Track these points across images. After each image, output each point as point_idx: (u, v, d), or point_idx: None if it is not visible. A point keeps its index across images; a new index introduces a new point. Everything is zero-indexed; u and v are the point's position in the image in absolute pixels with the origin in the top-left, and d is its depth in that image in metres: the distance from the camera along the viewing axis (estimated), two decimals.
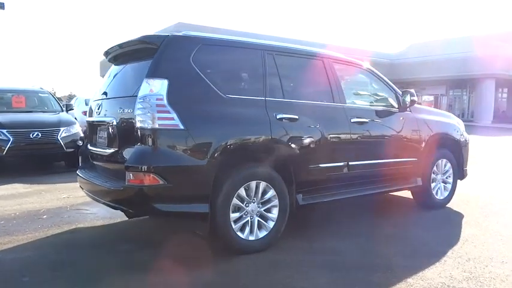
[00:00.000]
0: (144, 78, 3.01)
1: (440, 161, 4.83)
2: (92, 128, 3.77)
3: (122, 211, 3.45)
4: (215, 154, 3.04)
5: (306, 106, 3.66)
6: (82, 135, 8.04)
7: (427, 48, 34.13)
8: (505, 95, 41.18)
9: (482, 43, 34.97)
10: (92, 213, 4.73)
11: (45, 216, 4.59)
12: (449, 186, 4.98)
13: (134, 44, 3.39)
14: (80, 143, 7.90)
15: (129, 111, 3.04)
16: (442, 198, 4.90)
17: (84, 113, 10.55)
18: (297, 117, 3.51)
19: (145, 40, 3.24)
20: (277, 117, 3.39)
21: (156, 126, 2.89)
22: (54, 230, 4.08)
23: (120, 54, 3.66)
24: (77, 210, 4.84)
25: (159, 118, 2.89)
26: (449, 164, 4.94)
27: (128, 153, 3.04)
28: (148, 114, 2.89)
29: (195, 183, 3.02)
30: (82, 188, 3.86)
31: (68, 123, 7.98)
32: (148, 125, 2.89)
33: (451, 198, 5.01)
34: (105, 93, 3.59)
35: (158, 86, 2.93)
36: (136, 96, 2.95)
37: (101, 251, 3.47)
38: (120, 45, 3.53)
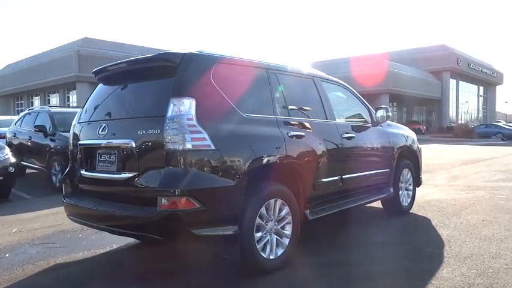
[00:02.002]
0: (166, 97, 2.86)
1: (404, 171, 5.29)
2: (86, 151, 3.41)
3: (142, 239, 3.19)
4: (243, 173, 2.99)
5: (308, 123, 3.77)
6: (13, 160, 7.19)
7: (331, 66, 36.96)
8: (395, 108, 46.32)
9: (376, 62, 38.98)
10: (61, 246, 4.25)
11: (7, 255, 4.00)
12: (410, 193, 5.47)
13: (148, 62, 3.19)
14: (12, 169, 7.07)
15: (155, 132, 2.83)
16: (406, 205, 5.36)
17: None
18: (303, 134, 3.60)
19: (163, 57, 3.07)
20: (289, 134, 3.46)
21: (189, 147, 2.75)
22: (32, 268, 3.59)
23: (122, 73, 3.40)
24: (42, 245, 4.31)
25: (193, 139, 2.76)
26: (410, 173, 5.44)
27: (154, 177, 2.83)
28: (180, 135, 2.74)
29: (227, 205, 2.93)
30: (74, 218, 3.47)
31: None
32: (180, 146, 2.74)
33: (413, 204, 5.51)
34: (108, 114, 3.29)
35: (187, 106, 2.80)
36: (164, 116, 2.78)
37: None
38: (129, 63, 3.30)
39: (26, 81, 35.57)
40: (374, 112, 4.85)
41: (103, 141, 3.22)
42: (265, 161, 3.19)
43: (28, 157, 9.36)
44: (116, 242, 4.32)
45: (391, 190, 4.95)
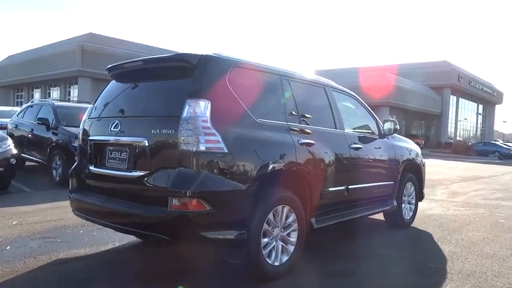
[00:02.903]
0: (182, 98, 2.86)
1: (408, 184, 5.30)
2: (96, 147, 3.40)
3: (148, 238, 3.18)
4: (253, 178, 2.99)
5: (318, 132, 3.78)
6: (15, 152, 7.16)
7: (333, 75, 37.02)
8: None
9: (378, 74, 39.14)
10: (63, 241, 4.22)
11: (8, 247, 3.97)
12: (413, 207, 5.47)
13: (165, 61, 3.19)
14: (13, 161, 7.04)
15: (169, 132, 2.83)
16: (408, 218, 5.36)
17: None
18: (313, 142, 3.61)
19: (181, 58, 3.07)
20: (300, 142, 3.46)
21: (202, 149, 2.75)
22: (34, 262, 3.56)
23: (137, 71, 3.40)
24: (43, 239, 4.27)
25: (206, 141, 2.76)
26: (413, 187, 5.45)
27: (166, 177, 2.82)
28: (194, 136, 2.74)
29: (237, 209, 2.92)
30: (80, 213, 3.46)
31: (0, 139, 7.07)
32: (194, 147, 2.74)
33: (414, 218, 5.52)
34: (121, 111, 3.28)
35: (202, 108, 2.80)
36: (179, 117, 2.78)
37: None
38: (145, 61, 3.30)
39: (27, 73, 35.47)
40: (381, 124, 4.87)
41: (114, 138, 3.21)
42: (275, 166, 3.19)
43: (28, 149, 9.33)
44: (117, 240, 4.30)
45: (395, 203, 4.95)
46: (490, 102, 58.35)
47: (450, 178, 12.54)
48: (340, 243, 4.50)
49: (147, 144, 2.94)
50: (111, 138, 3.23)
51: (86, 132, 3.59)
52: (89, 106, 10.05)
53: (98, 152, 3.38)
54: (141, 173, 2.97)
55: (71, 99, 32.84)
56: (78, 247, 4.03)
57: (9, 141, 7.23)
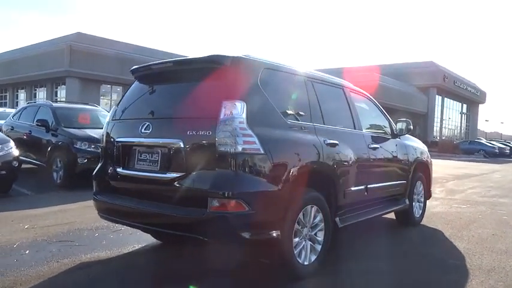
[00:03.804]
0: (217, 99, 2.88)
1: (417, 183, 5.40)
2: (124, 149, 3.38)
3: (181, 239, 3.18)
4: (287, 179, 3.02)
5: (340, 132, 3.84)
6: (17, 154, 7.04)
7: None
8: None
9: (365, 74, 39.61)
10: (81, 245, 4.18)
11: (27, 252, 3.92)
12: (422, 205, 5.58)
13: (196, 63, 3.20)
14: (15, 163, 6.93)
15: (206, 133, 2.84)
16: (418, 216, 5.47)
17: None
18: (337, 142, 3.66)
19: (213, 59, 3.08)
20: (326, 142, 3.51)
21: (240, 150, 2.77)
22: (58, 266, 3.53)
23: (166, 72, 3.40)
24: (61, 243, 4.22)
25: (244, 142, 2.78)
26: (422, 186, 5.55)
27: (204, 178, 2.83)
28: (232, 137, 2.76)
29: (272, 209, 2.95)
30: (107, 215, 3.45)
31: (2, 141, 6.94)
32: (232, 148, 2.76)
33: (424, 216, 5.62)
34: (151, 113, 3.27)
35: (239, 109, 2.82)
36: (217, 118, 2.80)
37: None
38: (176, 63, 3.30)
39: (12, 73, 34.72)
40: (394, 124, 4.95)
41: (146, 140, 3.19)
42: (305, 167, 3.24)
43: (26, 152, 9.17)
44: (136, 242, 4.29)
45: (407, 201, 5.05)
46: (473, 101, 59.49)
47: (444, 176, 12.76)
48: (357, 242, 4.56)
49: (182, 145, 2.95)
50: (142, 140, 3.22)
51: (111, 134, 3.57)
52: (90, 107, 10.11)
53: (126, 153, 3.37)
54: (176, 175, 2.97)
55: (58, 100, 32.34)
56: (98, 250, 4.00)
57: (11, 143, 7.10)
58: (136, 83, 3.68)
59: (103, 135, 3.67)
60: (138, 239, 4.38)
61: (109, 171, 3.52)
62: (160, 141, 3.13)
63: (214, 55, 3.11)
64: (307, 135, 3.38)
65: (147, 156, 3.20)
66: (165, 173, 3.05)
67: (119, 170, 3.40)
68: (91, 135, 8.02)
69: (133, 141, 3.32)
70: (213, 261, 3.73)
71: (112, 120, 3.63)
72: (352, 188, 3.88)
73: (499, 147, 35.30)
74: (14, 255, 3.79)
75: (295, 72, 3.60)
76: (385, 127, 4.90)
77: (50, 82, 34.80)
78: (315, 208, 3.37)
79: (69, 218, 5.31)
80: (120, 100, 3.73)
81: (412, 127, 4.97)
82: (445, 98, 52.21)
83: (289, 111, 3.31)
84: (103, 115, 9.69)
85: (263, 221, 2.89)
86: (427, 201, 6.31)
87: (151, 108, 3.31)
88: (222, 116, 2.81)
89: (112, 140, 3.53)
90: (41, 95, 36.77)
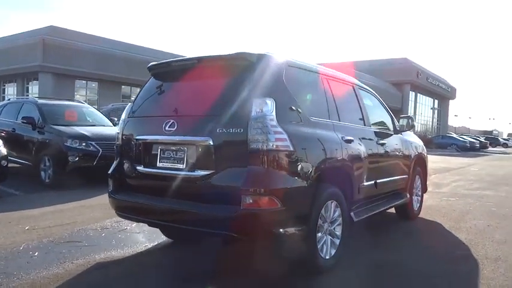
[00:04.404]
0: (245, 96, 2.90)
1: (416, 177, 5.56)
2: (146, 147, 3.33)
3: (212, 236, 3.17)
4: (313, 175, 3.07)
5: (354, 129, 3.92)
6: (5, 153, 6.78)
7: None
8: None
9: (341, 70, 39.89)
10: (91, 245, 4.11)
11: (36, 254, 3.81)
12: (419, 199, 5.75)
13: (222, 60, 3.18)
14: (5, 163, 6.69)
15: (237, 131, 2.84)
16: (416, 209, 5.63)
17: None
18: (352, 139, 3.73)
19: (239, 56, 3.07)
20: (343, 139, 3.57)
21: (272, 147, 2.79)
22: (74, 267, 3.46)
23: (187, 69, 3.36)
24: (68, 244, 4.13)
25: (276, 139, 2.80)
26: (420, 180, 5.72)
27: (235, 175, 2.83)
28: (264, 135, 2.77)
29: (300, 205, 2.99)
30: (126, 213, 3.42)
31: None
32: (264, 145, 2.77)
33: (421, 209, 5.80)
34: (175, 110, 3.22)
35: (269, 106, 2.84)
36: (248, 115, 2.80)
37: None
38: (201, 60, 3.26)
39: None
40: (396, 120, 5.07)
41: (171, 137, 3.15)
42: (328, 163, 3.29)
43: (9, 150, 8.84)
44: (146, 240, 4.26)
45: (408, 195, 5.19)
46: (445, 97, 61.32)
47: None
48: (365, 235, 4.64)
49: (211, 143, 2.93)
50: (166, 138, 3.17)
51: (129, 131, 3.50)
52: (77, 104, 9.83)
53: (147, 151, 3.32)
54: (205, 172, 2.96)
55: (29, 96, 31.23)
56: (110, 250, 3.94)
57: (0, 142, 6.86)
58: (152, 79, 3.63)
59: (118, 132, 3.60)
60: (148, 238, 4.34)
61: (127, 169, 3.47)
62: (188, 138, 3.10)
63: (240, 52, 3.10)
64: (328, 131, 3.43)
65: (171, 154, 3.17)
66: (194, 171, 3.02)
67: (139, 168, 3.34)
68: (82, 132, 7.84)
69: (156, 139, 3.27)
70: (228, 259, 3.76)
71: (128, 117, 3.57)
72: (365, 183, 3.97)
73: (470, 141, 36.64)
74: (24, 258, 3.69)
75: (313, 70, 3.65)
76: (388, 123, 5.01)
77: (21, 77, 33.57)
78: (334, 203, 3.43)
79: (69, 218, 5.19)
80: (136, 97, 3.67)
81: (415, 124, 5.10)
82: (418, 94, 53.59)
83: (311, 109, 3.35)
84: (90, 112, 9.49)
85: (292, 217, 2.93)
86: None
87: (175, 105, 3.26)
88: (253, 114, 2.81)
89: (130, 137, 3.47)
90: (10, 90, 35.43)
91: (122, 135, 3.56)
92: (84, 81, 31.79)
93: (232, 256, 3.86)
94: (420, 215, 5.73)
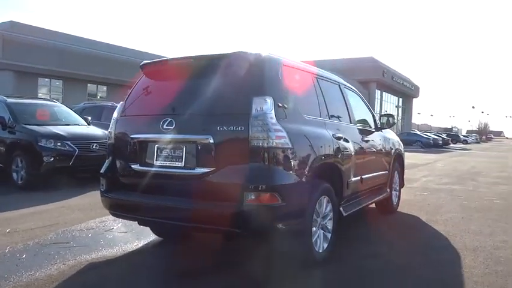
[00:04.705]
0: (245, 95, 2.97)
1: (395, 173, 5.79)
2: (142, 146, 3.32)
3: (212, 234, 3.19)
4: (309, 171, 3.17)
5: (343, 126, 4.05)
6: None
7: None
8: None
9: None
10: (79, 246, 4.04)
11: (24, 256, 3.72)
12: (397, 193, 5.99)
13: (220, 59, 3.22)
14: None
15: (238, 129, 2.89)
16: (395, 204, 5.87)
17: None
18: (342, 136, 3.86)
19: (238, 56, 3.12)
20: (334, 136, 3.69)
21: (272, 144, 2.87)
22: (66, 268, 3.40)
23: (183, 68, 3.36)
24: (56, 245, 4.05)
25: (276, 137, 2.87)
26: (398, 175, 5.96)
27: (237, 172, 2.89)
28: (264, 132, 2.84)
29: (299, 200, 3.07)
30: (122, 213, 3.41)
31: None
32: (265, 143, 2.85)
33: (399, 204, 6.04)
34: (172, 109, 3.22)
35: (269, 104, 2.91)
36: (249, 114, 2.87)
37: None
38: (198, 58, 3.28)
39: None
40: (377, 118, 5.26)
41: (170, 136, 3.16)
42: (322, 160, 3.40)
43: None
44: (136, 240, 4.24)
45: (388, 190, 5.40)
46: (409, 95, 63.36)
47: None
48: (350, 229, 4.80)
49: (212, 141, 2.97)
50: (165, 136, 3.18)
51: (121, 131, 3.48)
52: (49, 102, 9.49)
53: (143, 150, 3.31)
54: (205, 170, 2.99)
55: None
56: (100, 250, 3.89)
57: None
58: (144, 78, 3.61)
59: (110, 132, 3.57)
60: (136, 237, 4.31)
61: (121, 168, 3.44)
62: (187, 137, 3.12)
63: (239, 52, 3.15)
64: (321, 129, 3.54)
65: (169, 152, 3.18)
66: (193, 169, 3.05)
67: (135, 166, 3.33)
68: (56, 132, 7.63)
69: (154, 138, 3.27)
70: (220, 255, 3.80)
71: (121, 116, 3.54)
72: (352, 179, 4.11)
73: (433, 138, 38.13)
74: (12, 261, 3.59)
75: (305, 69, 3.75)
76: (370, 120, 5.19)
77: None
78: (326, 198, 3.55)
79: (50, 220, 5.06)
80: (128, 96, 3.64)
81: (395, 121, 5.31)
82: (384, 92, 55.11)
83: (304, 107, 3.45)
84: (63, 111, 9.22)
85: (292, 212, 3.02)
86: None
87: (172, 104, 3.27)
88: (253, 112, 2.88)
89: (123, 136, 3.45)
90: None
91: (115, 134, 3.53)
92: (47, 79, 30.65)
93: (222, 253, 3.91)
94: (398, 209, 5.97)
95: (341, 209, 3.89)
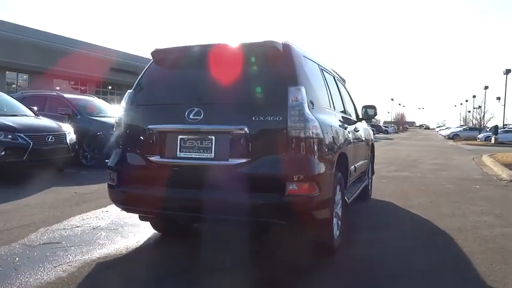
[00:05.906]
0: (280, 84, 2.94)
1: (369, 162, 6.09)
2: (162, 136, 3.11)
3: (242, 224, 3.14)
4: (333, 160, 3.23)
5: (344, 117, 4.19)
6: None
7: None
8: None
9: None
10: (73, 245, 3.73)
11: (17, 259, 3.34)
12: (371, 181, 6.32)
13: (249, 47, 3.12)
14: None
15: (276, 119, 2.84)
16: (370, 191, 6.18)
17: None
18: (347, 126, 3.99)
19: (268, 45, 3.05)
20: (344, 126, 3.80)
21: (309, 134, 2.87)
22: (71, 270, 3.12)
23: (208, 55, 3.20)
24: (46, 245, 3.70)
25: (312, 127, 2.88)
26: (371, 164, 6.28)
27: (275, 163, 2.85)
28: (301, 122, 2.84)
29: (328, 189, 3.12)
30: (136, 207, 3.24)
31: None
32: (302, 133, 2.84)
33: (372, 191, 6.38)
34: (198, 98, 3.06)
35: (303, 94, 2.90)
36: (286, 104, 2.84)
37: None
38: (224, 46, 3.18)
39: None
40: (362, 109, 5.48)
41: (198, 126, 3.01)
42: (339, 149, 3.48)
43: None
44: (134, 237, 4.01)
45: (367, 178, 5.67)
46: None
47: None
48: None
49: (247, 131, 2.89)
50: (192, 127, 3.02)
51: (133, 121, 3.25)
52: None
53: (163, 141, 3.12)
54: (240, 161, 2.91)
55: None
56: (101, 248, 3.64)
57: None
58: (154, 65, 3.40)
59: (119, 122, 3.31)
60: (134, 234, 4.09)
61: (135, 160, 3.22)
62: (220, 127, 3.00)
63: (269, 41, 3.09)
64: (335, 119, 3.63)
65: (195, 143, 3.03)
66: (227, 160, 2.95)
67: (154, 158, 3.13)
68: (5, 123, 6.88)
69: (177, 128, 3.10)
70: (223, 251, 3.73)
71: (131, 105, 3.30)
72: (351, 167, 4.27)
73: None
74: (6, 266, 3.21)
75: (315, 61, 3.80)
76: (354, 111, 5.39)
77: None
78: (339, 187, 3.65)
79: (23, 220, 4.59)
80: (137, 85, 3.40)
81: (377, 112, 5.56)
82: None
83: (321, 98, 3.50)
84: (5, 100, 8.33)
85: (324, 201, 3.06)
86: None
87: (197, 93, 3.12)
88: (290, 102, 2.86)
89: (137, 127, 3.22)
90: None
91: (126, 124, 3.28)
92: (15, 73, 27.46)
93: (225, 248, 3.82)
94: (371, 196, 6.29)
95: (345, 197, 4.02)
